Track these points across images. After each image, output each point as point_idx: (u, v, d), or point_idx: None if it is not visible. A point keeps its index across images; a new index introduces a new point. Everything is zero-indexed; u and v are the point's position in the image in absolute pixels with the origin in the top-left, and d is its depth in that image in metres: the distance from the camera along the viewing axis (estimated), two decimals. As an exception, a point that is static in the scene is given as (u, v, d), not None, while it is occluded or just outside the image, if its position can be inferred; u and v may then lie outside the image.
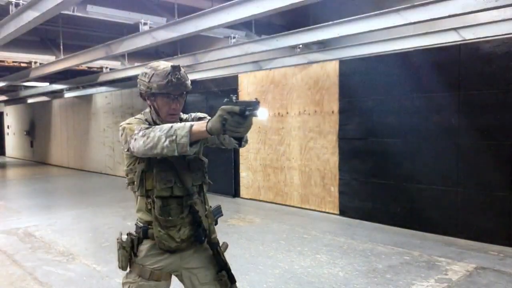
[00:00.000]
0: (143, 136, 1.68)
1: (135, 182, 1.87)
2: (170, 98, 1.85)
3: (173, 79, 1.80)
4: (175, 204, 1.85)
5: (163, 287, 1.93)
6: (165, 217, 1.83)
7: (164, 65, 1.86)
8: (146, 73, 1.87)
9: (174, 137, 1.59)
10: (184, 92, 1.91)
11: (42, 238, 5.44)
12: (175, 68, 1.82)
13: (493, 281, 3.81)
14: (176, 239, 1.85)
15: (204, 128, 1.57)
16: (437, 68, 5.22)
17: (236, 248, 4.85)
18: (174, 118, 1.90)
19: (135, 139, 1.71)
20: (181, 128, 1.60)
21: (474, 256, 4.48)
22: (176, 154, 1.62)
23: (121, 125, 1.88)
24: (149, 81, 1.84)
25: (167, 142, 1.60)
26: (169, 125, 1.65)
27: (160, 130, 1.64)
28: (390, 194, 5.75)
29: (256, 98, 1.56)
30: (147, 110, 1.97)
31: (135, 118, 1.93)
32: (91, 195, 8.67)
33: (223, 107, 1.55)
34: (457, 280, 3.86)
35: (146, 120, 1.92)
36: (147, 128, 1.71)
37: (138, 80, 1.93)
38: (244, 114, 1.52)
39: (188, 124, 1.61)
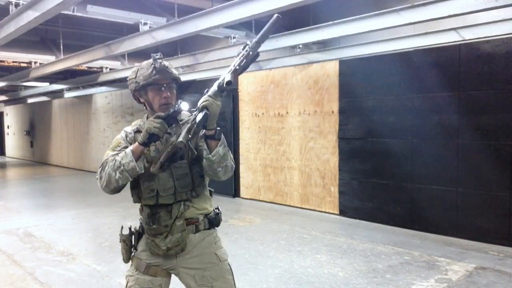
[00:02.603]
0: (99, 175, 1.85)
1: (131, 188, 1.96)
2: (159, 87, 1.87)
3: (157, 66, 1.84)
4: (164, 212, 1.86)
5: (159, 283, 1.93)
6: (149, 225, 1.87)
7: (147, 61, 1.92)
8: (133, 72, 1.95)
9: (122, 167, 1.77)
10: (174, 83, 1.92)
11: (42, 238, 5.44)
12: (156, 57, 1.87)
13: (493, 281, 3.81)
14: (161, 247, 1.86)
15: (137, 142, 1.79)
16: (437, 68, 5.22)
17: (236, 248, 4.85)
18: (167, 108, 1.87)
19: (97, 178, 1.89)
20: (124, 156, 1.78)
21: (474, 256, 4.48)
22: (130, 179, 1.81)
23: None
24: (135, 77, 1.90)
25: (118, 174, 1.78)
26: (113, 159, 1.81)
27: (109, 167, 1.81)
28: (390, 194, 5.75)
29: (179, 100, 1.82)
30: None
31: (126, 128, 2.01)
32: (91, 195, 8.67)
33: (149, 118, 1.82)
34: (457, 280, 3.86)
35: (140, 126, 1.96)
36: (107, 159, 1.86)
37: (128, 83, 1.96)
38: (167, 115, 1.77)
39: (126, 150, 1.81)
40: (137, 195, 1.93)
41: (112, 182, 1.79)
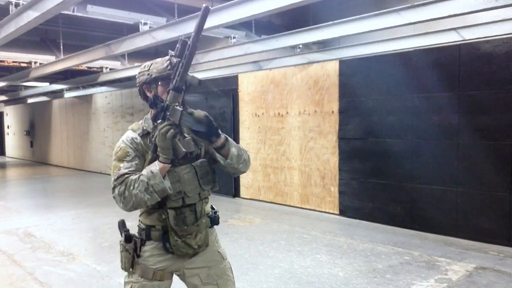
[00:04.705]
0: (120, 196, 1.76)
1: None
2: (170, 83, 1.82)
3: (173, 61, 1.83)
4: (189, 212, 1.85)
5: (165, 286, 1.93)
6: (181, 227, 1.83)
7: (162, 58, 1.91)
8: (145, 65, 1.93)
9: (151, 188, 1.71)
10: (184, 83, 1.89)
11: (42, 238, 5.44)
12: (173, 53, 1.85)
13: (493, 281, 3.81)
14: (193, 246, 1.86)
15: (162, 163, 1.73)
16: (437, 68, 5.22)
17: (236, 248, 4.85)
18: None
19: (114, 197, 1.80)
20: (151, 177, 1.72)
21: (474, 256, 4.48)
22: (159, 199, 1.75)
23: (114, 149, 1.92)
24: (148, 69, 1.89)
25: (147, 196, 1.72)
26: (139, 180, 1.73)
27: (135, 188, 1.72)
28: (390, 194, 5.75)
29: (181, 108, 1.72)
30: (148, 115, 1.94)
31: (128, 134, 1.91)
32: (91, 195, 8.67)
33: (157, 132, 1.71)
34: (457, 280, 3.86)
35: (144, 129, 1.89)
36: (124, 175, 1.77)
37: (137, 76, 1.94)
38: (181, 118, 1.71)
39: (152, 169, 1.73)
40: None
41: (142, 204, 1.75)
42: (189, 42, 1.70)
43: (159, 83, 1.85)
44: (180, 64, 1.71)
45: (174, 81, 1.72)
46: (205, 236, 1.90)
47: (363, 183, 6.05)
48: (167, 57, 1.86)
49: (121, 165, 1.81)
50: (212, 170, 1.93)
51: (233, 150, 1.86)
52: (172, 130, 1.69)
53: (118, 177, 1.78)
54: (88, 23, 6.17)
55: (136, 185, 1.73)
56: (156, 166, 1.73)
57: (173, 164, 1.76)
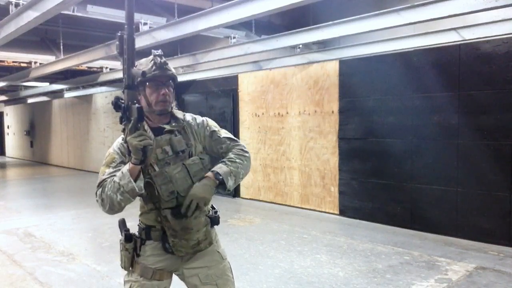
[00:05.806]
0: (99, 198, 1.79)
1: (141, 197, 1.87)
2: (157, 84, 1.83)
3: (157, 62, 1.81)
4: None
5: (164, 286, 1.94)
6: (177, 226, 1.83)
7: (146, 58, 1.89)
8: None
9: (121, 188, 1.69)
10: (172, 81, 1.89)
11: (42, 238, 5.44)
12: (156, 53, 1.84)
13: (493, 281, 3.81)
14: (193, 240, 1.85)
15: (132, 164, 1.68)
16: (437, 68, 5.22)
17: (236, 248, 4.85)
18: (165, 106, 1.85)
19: (97, 201, 1.81)
20: (121, 177, 1.70)
21: (474, 256, 4.48)
22: (132, 200, 1.74)
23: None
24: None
25: (119, 196, 1.70)
26: (112, 181, 1.74)
27: (108, 189, 1.74)
28: (390, 194, 5.75)
29: (136, 105, 1.65)
30: None
31: (119, 139, 1.90)
32: (91, 195, 8.64)
33: (127, 138, 1.66)
34: (457, 280, 3.86)
35: None
36: (105, 180, 1.78)
37: (123, 79, 1.93)
38: (137, 124, 1.66)
39: (123, 170, 1.71)
40: (151, 202, 1.84)
41: (115, 204, 1.73)
42: (124, 36, 1.66)
43: (146, 84, 1.83)
44: (123, 61, 1.66)
45: (124, 80, 1.69)
46: (206, 233, 1.89)
47: (363, 183, 6.05)
48: (151, 57, 1.84)
49: (106, 170, 1.82)
50: (206, 168, 1.92)
51: (230, 183, 1.89)
52: (143, 136, 1.65)
53: (100, 182, 1.80)
54: (88, 23, 6.17)
55: (109, 186, 1.74)
56: (126, 167, 1.71)
57: (143, 164, 1.69)
